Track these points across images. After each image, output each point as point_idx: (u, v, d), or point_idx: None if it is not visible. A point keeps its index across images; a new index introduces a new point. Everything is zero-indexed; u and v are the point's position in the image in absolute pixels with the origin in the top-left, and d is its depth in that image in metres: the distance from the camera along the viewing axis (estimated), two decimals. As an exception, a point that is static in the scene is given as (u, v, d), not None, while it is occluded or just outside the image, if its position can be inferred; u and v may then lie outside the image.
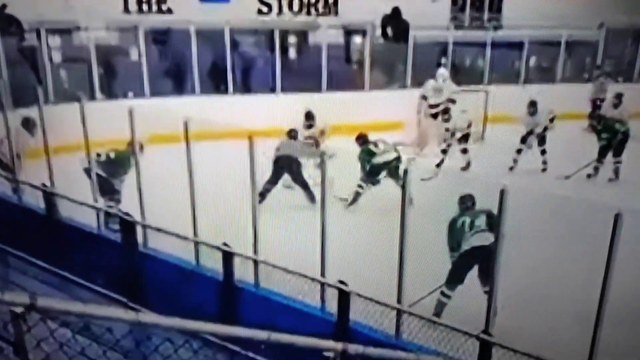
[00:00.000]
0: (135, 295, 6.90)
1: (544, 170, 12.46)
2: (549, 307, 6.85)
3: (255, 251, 6.34)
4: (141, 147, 8.06)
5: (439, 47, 16.38)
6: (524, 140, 12.56)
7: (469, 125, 12.53)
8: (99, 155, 8.58)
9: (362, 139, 10.50)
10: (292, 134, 11.02)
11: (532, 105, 12.48)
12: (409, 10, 15.85)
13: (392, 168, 10.05)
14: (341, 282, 5.65)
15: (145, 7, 14.68)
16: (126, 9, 14.54)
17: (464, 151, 12.49)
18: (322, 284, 5.94)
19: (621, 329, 5.44)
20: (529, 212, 7.01)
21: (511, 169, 12.41)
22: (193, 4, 14.89)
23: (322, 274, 5.91)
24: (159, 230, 7.05)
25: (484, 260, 6.21)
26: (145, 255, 7.17)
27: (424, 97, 13.84)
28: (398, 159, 10.18)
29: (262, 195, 9.51)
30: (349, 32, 16.21)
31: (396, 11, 15.81)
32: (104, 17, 13.91)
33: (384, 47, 16.18)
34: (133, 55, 14.40)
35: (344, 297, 5.62)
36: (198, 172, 7.43)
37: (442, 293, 6.74)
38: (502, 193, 4.73)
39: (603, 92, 15.65)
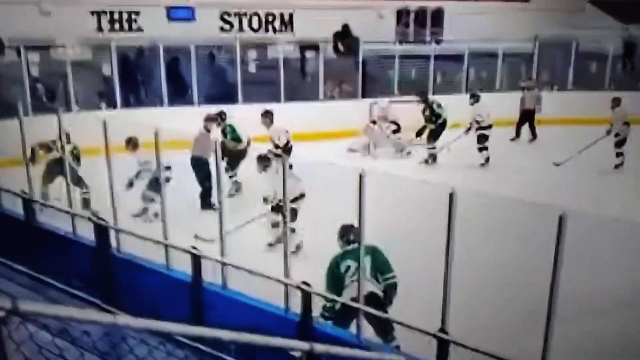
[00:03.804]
0: (109, 297, 7.05)
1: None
2: (502, 306, 7.07)
3: (222, 253, 6.44)
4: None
5: (387, 61, 17.70)
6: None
7: None
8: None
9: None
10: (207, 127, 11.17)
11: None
12: (358, 27, 17.28)
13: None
14: (305, 282, 5.65)
15: (117, 25, 15.88)
16: (99, 28, 15.71)
17: None
18: (286, 285, 5.91)
19: (572, 325, 5.61)
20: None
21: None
22: (161, 22, 16.15)
23: (286, 275, 5.91)
24: (131, 234, 7.20)
25: (372, 314, 5.68)
26: (118, 259, 7.29)
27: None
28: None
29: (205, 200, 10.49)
30: (303, 47, 17.42)
31: (346, 28, 17.24)
32: (78, 35, 14.90)
33: (337, 61, 17.48)
34: (106, 70, 15.52)
35: (307, 298, 5.64)
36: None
37: None
38: (452, 197, 4.72)
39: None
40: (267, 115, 11.71)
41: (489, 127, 14.12)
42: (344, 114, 15.75)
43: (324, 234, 6.52)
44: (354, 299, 5.67)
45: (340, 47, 17.33)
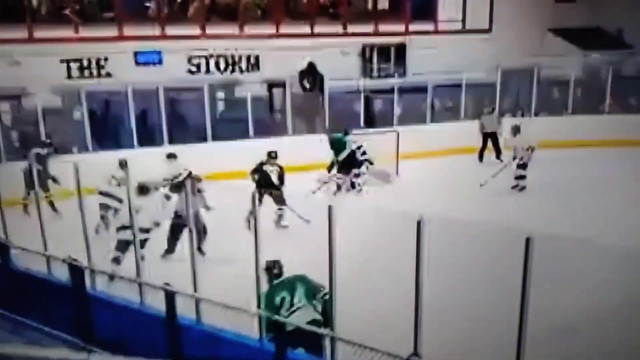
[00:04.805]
0: (87, 336, 7.16)
1: None
2: (473, 331, 7.22)
3: (195, 289, 6.51)
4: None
5: (353, 96, 18.12)
6: None
7: None
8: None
9: None
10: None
11: None
12: (323, 64, 17.85)
13: None
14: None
15: (86, 72, 16.25)
16: (69, 75, 16.06)
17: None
18: (259, 317, 5.96)
19: (543, 347, 5.64)
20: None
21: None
22: (129, 67, 16.49)
23: (259, 306, 5.95)
24: (105, 273, 7.57)
25: (311, 341, 5.74)
26: (94, 298, 7.41)
27: None
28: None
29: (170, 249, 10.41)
30: (271, 85, 17.86)
31: (311, 66, 17.73)
32: (49, 83, 15.19)
33: (303, 97, 17.88)
34: (77, 115, 15.69)
35: (280, 328, 5.70)
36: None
37: None
38: (419, 224, 4.79)
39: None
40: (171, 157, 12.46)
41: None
42: (312, 149, 15.84)
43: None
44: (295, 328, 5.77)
45: (307, 84, 17.78)
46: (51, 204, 12.50)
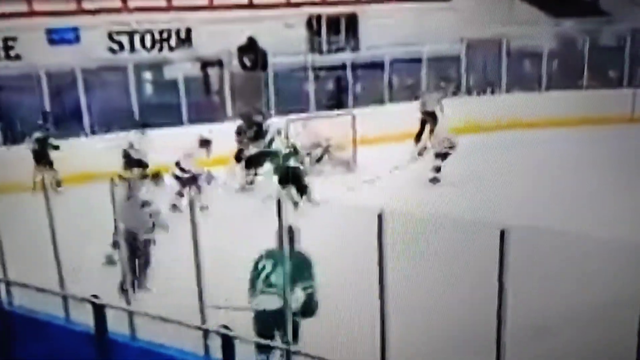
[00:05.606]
0: (4, 357, 6.78)
1: None
2: (446, 333, 6.84)
3: (128, 302, 6.19)
4: None
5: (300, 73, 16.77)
6: None
7: None
8: None
9: None
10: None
11: None
12: (265, 39, 16.45)
13: None
14: (225, 326, 5.37)
15: (-10, 54, 14.78)
16: (-29, 58, 14.56)
17: None
18: (205, 331, 5.60)
19: (523, 348, 5.29)
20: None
21: None
22: (42, 47, 15.03)
23: (203, 321, 5.59)
24: (23, 285, 6.79)
25: (276, 324, 5.53)
26: (11, 314, 6.90)
27: None
28: None
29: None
30: (205, 64, 16.52)
31: (251, 41, 16.40)
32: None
33: (244, 77, 16.54)
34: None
35: (228, 343, 5.37)
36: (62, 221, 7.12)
37: None
38: (380, 218, 4.53)
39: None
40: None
41: None
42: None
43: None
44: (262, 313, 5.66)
45: (247, 61, 16.49)
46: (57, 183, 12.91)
